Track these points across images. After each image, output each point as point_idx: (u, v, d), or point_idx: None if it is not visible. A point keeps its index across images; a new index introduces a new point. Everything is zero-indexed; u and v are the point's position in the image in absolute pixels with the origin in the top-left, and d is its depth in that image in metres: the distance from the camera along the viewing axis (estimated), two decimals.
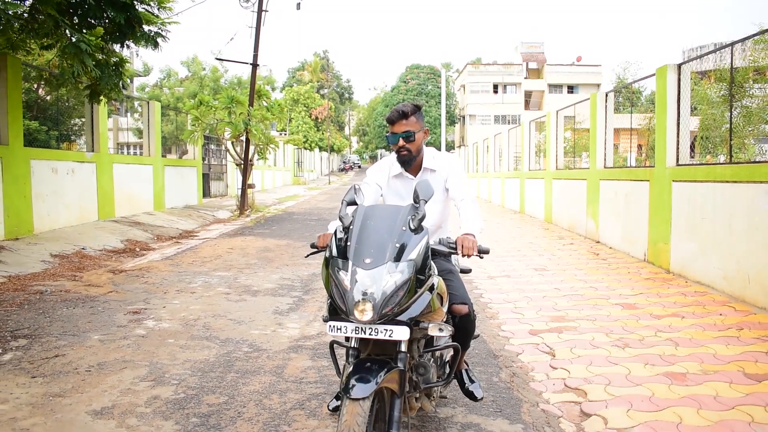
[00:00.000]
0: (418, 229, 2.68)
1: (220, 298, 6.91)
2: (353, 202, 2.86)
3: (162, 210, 15.98)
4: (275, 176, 36.39)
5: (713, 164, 8.08)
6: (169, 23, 9.79)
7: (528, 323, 6.05)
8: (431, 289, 2.80)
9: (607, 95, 11.74)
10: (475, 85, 68.16)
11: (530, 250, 10.87)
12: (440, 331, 2.77)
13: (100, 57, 9.54)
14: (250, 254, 10.28)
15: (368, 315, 2.44)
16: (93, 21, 9.28)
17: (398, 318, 2.55)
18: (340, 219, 2.75)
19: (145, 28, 9.67)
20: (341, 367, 2.86)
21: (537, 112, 61.57)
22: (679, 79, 8.59)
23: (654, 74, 9.24)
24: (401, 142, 3.36)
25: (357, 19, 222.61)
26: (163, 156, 17.43)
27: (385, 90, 79.08)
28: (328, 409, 3.57)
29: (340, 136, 72.90)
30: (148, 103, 16.17)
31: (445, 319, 3.05)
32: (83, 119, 17.95)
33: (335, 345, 3.00)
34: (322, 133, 63.05)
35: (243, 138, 17.30)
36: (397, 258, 2.56)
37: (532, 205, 17.28)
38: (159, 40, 9.75)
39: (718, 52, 9.15)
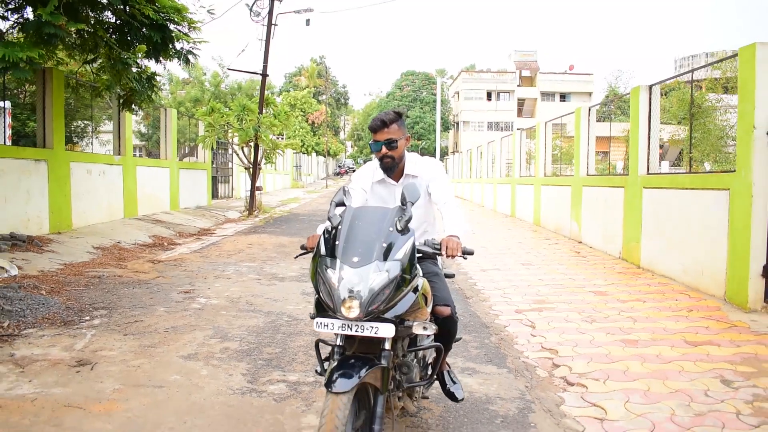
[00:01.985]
0: (404, 230, 2.79)
1: (253, 283, 8.07)
2: (342, 203, 2.96)
3: (177, 210, 17.13)
4: (276, 180, 37.57)
5: (675, 173, 9.32)
6: (199, 42, 10.95)
7: (514, 305, 7.25)
8: (416, 289, 2.90)
9: (590, 110, 12.98)
10: (469, 92, 69.47)
11: (519, 248, 12.09)
12: (424, 330, 2.89)
13: (135, 71, 10.72)
14: (268, 249, 11.46)
15: (355, 312, 2.55)
16: (131, 39, 10.42)
17: (384, 316, 2.66)
18: (329, 219, 2.85)
19: (177, 45, 10.84)
20: (326, 365, 2.98)
21: (530, 119, 62.88)
22: (650, 99, 9.83)
23: (629, 93, 10.48)
24: (384, 149, 3.45)
25: (353, 25, 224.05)
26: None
27: (380, 96, 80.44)
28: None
29: (336, 141, 74.06)
30: (165, 110, 17.32)
31: (428, 320, 3.16)
32: (86, 122, 19.00)
33: (321, 343, 3.08)
34: (319, 138, 64.20)
35: (252, 143, 18.46)
36: (384, 257, 2.67)
37: (522, 209, 18.52)
38: (190, 57, 10.92)
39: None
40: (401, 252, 2.72)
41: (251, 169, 18.93)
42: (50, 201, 10.73)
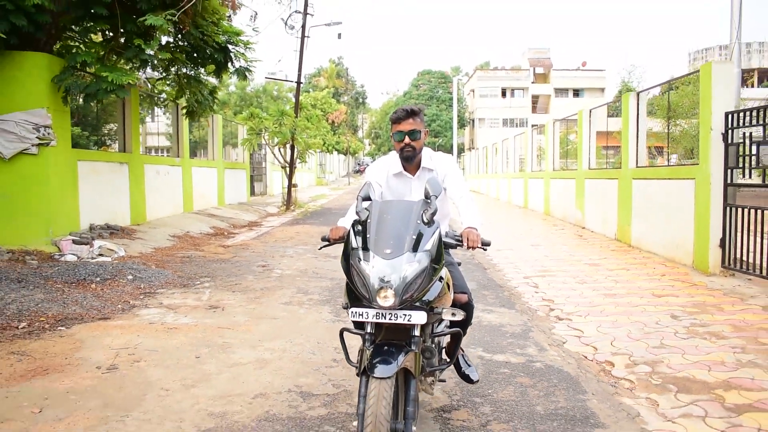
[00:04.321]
0: (430, 223, 2.95)
1: (313, 260, 9.99)
2: (368, 197, 3.10)
3: (224, 205, 19.15)
4: (303, 177, 39.60)
5: (657, 166, 11.12)
6: (255, 61, 12.91)
7: (523, 273, 9.10)
8: (441, 278, 3.09)
9: (591, 111, 14.78)
10: (484, 90, 71.03)
11: (530, 234, 13.93)
12: (453, 316, 3.09)
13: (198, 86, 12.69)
14: (314, 236, 13.39)
15: (390, 301, 2.73)
16: (200, 60, 12.35)
17: (415, 304, 2.84)
18: (357, 213, 3.02)
19: (236, 64, 12.78)
20: (349, 352, 3.16)
21: (544, 115, 64.27)
22: (638, 104, 11.62)
23: (620, 98, 12.29)
24: (407, 139, 3.55)
25: (370, 25, 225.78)
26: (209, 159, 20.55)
27: (397, 94, 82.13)
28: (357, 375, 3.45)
29: (355, 139, 75.99)
30: (213, 116, 19.33)
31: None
32: (116, 125, 20.80)
33: (345, 332, 3.19)
34: (339, 137, 66.20)
35: (288, 144, 20.42)
36: (414, 249, 2.83)
37: (534, 200, 20.34)
38: (247, 73, 12.87)
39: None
40: (430, 243, 2.88)
41: (287, 168, 20.90)
42: (131, 197, 12.73)
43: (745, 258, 8.15)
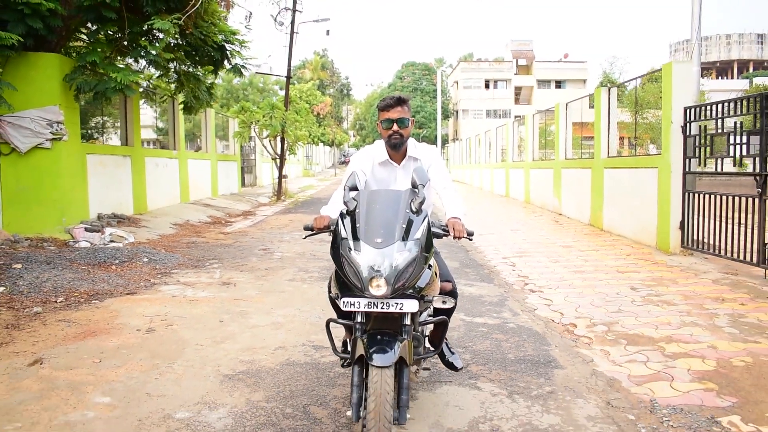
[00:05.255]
0: (419, 211, 2.97)
1: (310, 245, 10.78)
2: (355, 187, 3.10)
3: (217, 196, 19.88)
4: (291, 169, 40.32)
5: (624, 156, 12.03)
6: (250, 59, 13.64)
7: (501, 254, 9.98)
8: (430, 266, 3.12)
9: (567, 105, 15.67)
10: (467, 81, 71.82)
11: (510, 220, 14.84)
12: (443, 303, 3.17)
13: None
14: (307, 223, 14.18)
15: (382, 290, 2.75)
16: (198, 58, 13.04)
17: (406, 293, 2.87)
18: (345, 203, 3.03)
19: (233, 61, 13.49)
20: (337, 344, 3.27)
21: (527, 106, 65.33)
22: (609, 99, 12.51)
23: (593, 93, 13.17)
24: (395, 126, 3.55)
25: (353, 16, 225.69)
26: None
27: (381, 86, 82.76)
28: (342, 366, 3.63)
29: (340, 131, 76.60)
30: (206, 110, 20.00)
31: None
32: (105, 118, 21.40)
33: (331, 323, 3.25)
34: (324, 129, 66.83)
35: (279, 137, 21.16)
36: (404, 237, 2.86)
37: (515, 189, 21.27)
38: (243, 70, 13.59)
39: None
40: (419, 232, 2.92)
41: (277, 160, 21.64)
42: (133, 188, 13.46)
43: (703, 239, 9.07)
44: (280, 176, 21.59)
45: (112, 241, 10.22)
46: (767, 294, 6.93)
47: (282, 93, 66.22)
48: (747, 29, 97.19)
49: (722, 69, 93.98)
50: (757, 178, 7.67)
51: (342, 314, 3.29)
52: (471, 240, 3.30)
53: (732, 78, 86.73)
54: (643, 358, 4.88)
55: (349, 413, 2.92)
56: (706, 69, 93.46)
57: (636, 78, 12.45)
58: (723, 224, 8.44)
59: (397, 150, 3.66)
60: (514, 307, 6.54)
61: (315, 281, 7.63)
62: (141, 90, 15.00)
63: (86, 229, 10.38)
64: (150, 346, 4.99)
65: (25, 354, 4.77)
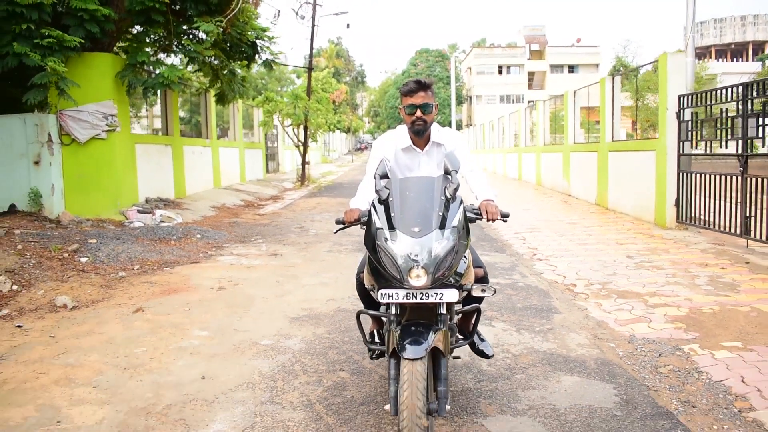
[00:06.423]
0: (453, 198, 2.89)
1: None
2: (385, 175, 3.00)
3: (245, 182, 21.07)
4: (311, 156, 41.56)
5: (626, 140, 13.01)
6: (279, 54, 14.73)
7: (514, 230, 11.04)
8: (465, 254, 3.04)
9: (575, 92, 16.64)
10: (481, 67, 72.34)
11: (522, 201, 15.89)
12: (483, 292, 3.01)
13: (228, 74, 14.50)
14: (334, 206, 15.33)
15: (422, 280, 2.69)
16: (233, 53, 14.15)
17: (446, 282, 2.82)
18: (377, 192, 2.92)
19: (263, 56, 14.61)
20: (367, 335, 3.20)
21: (540, 91, 65.81)
22: (612, 86, 13.48)
23: (599, 82, 14.15)
24: (419, 112, 3.41)
25: (367, 3, 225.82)
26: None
27: (395, 73, 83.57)
28: (371, 359, 3.57)
29: (356, 118, 77.63)
30: (236, 101, 21.16)
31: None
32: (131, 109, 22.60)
33: (362, 315, 3.15)
34: (340, 116, 67.91)
35: (302, 125, 22.28)
36: (442, 226, 2.78)
37: (527, 173, 22.28)
38: (273, 65, 14.70)
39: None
40: (456, 219, 2.83)
41: (300, 147, 22.76)
42: (174, 174, 14.63)
43: (696, 215, 10.06)
44: (303, 162, 22.72)
45: (162, 222, 11.40)
46: (746, 260, 7.95)
47: (299, 82, 67.59)
48: (763, 10, 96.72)
49: (737, 50, 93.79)
50: (740, 158, 8.67)
51: (370, 305, 3.34)
52: (506, 222, 3.23)
53: (747, 60, 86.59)
54: (629, 307, 5.94)
55: (387, 407, 2.82)
56: (721, 50, 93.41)
57: (641, 66, 13.36)
58: (713, 201, 9.44)
59: (420, 136, 3.55)
60: (523, 271, 7.63)
61: (350, 252, 8.77)
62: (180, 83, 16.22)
63: (138, 211, 11.56)
64: (225, 299, 6.14)
65: (126, 305, 5.94)
